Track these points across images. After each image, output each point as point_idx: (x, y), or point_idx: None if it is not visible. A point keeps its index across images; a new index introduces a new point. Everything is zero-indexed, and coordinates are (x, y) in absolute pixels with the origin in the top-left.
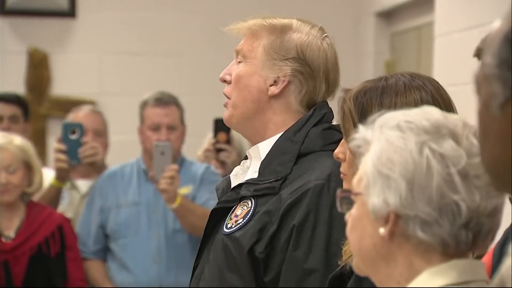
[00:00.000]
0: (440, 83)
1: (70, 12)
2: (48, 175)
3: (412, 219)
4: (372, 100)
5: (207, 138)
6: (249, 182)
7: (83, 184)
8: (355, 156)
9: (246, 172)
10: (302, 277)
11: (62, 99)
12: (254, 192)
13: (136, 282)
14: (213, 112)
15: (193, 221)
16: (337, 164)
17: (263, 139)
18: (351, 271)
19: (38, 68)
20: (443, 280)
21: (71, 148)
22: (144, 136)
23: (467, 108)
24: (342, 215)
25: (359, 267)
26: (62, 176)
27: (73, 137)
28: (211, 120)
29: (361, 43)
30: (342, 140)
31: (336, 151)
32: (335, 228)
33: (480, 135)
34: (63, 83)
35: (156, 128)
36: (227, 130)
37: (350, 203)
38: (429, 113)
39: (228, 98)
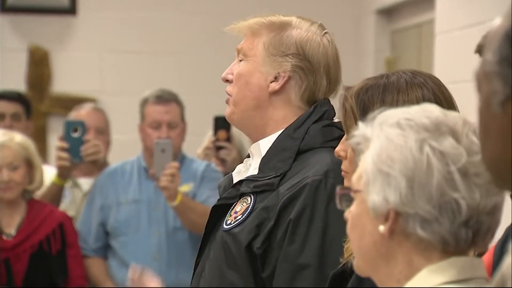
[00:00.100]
0: (441, 80)
1: (71, 10)
2: (49, 173)
3: (412, 217)
4: (373, 97)
5: (207, 136)
6: (249, 179)
7: (85, 182)
8: (356, 154)
9: (248, 169)
10: (295, 272)
11: (62, 97)
12: (253, 188)
13: None
14: (213, 111)
15: (193, 218)
16: (336, 161)
17: (263, 136)
18: (352, 269)
19: (39, 65)
20: (442, 278)
21: (73, 146)
22: (145, 133)
23: (468, 105)
24: (338, 212)
25: (360, 267)
26: (64, 174)
27: (75, 135)
28: (211, 119)
29: (361, 41)
30: (343, 138)
31: (337, 148)
32: (331, 224)
33: (481, 132)
34: (64, 81)
35: (156, 125)
36: (227, 128)
37: (349, 200)
38: (429, 111)
39: (230, 96)
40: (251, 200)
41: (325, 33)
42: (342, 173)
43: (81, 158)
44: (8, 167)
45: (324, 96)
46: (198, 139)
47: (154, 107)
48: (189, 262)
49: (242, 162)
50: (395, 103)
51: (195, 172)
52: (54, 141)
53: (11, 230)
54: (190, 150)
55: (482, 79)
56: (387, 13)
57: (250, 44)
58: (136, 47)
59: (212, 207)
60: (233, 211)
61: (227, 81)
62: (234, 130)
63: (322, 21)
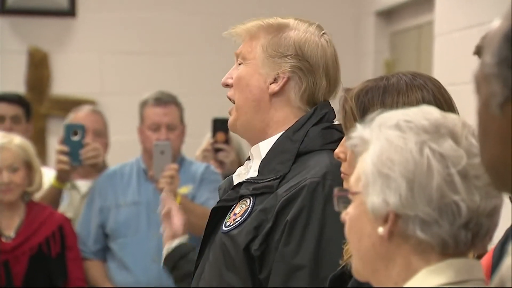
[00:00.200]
0: (440, 82)
1: (70, 12)
2: (48, 175)
3: (412, 219)
4: (373, 99)
5: (206, 138)
6: (248, 181)
7: (83, 185)
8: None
9: (248, 171)
10: (290, 273)
11: (62, 99)
12: (253, 190)
13: (135, 281)
14: (213, 112)
15: (193, 220)
16: (335, 163)
17: (264, 138)
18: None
19: (38, 67)
20: (439, 279)
21: (73, 150)
22: (144, 135)
23: (467, 107)
24: (336, 214)
25: (359, 269)
26: (63, 177)
27: (75, 138)
28: (210, 120)
29: (361, 42)
30: (343, 140)
31: (336, 150)
32: (328, 226)
33: (480, 134)
34: (63, 83)
35: (155, 127)
36: (225, 130)
37: (347, 202)
38: (428, 113)
39: (232, 101)
40: (250, 202)
41: (323, 33)
42: (342, 175)
43: (80, 162)
44: (8, 169)
45: (324, 97)
46: (198, 141)
47: (153, 109)
48: None
49: (240, 164)
50: (395, 105)
51: (194, 174)
52: (54, 143)
53: (10, 232)
54: (190, 151)
55: (481, 81)
56: (387, 14)
57: (249, 47)
58: (136, 48)
59: (212, 209)
60: (232, 213)
61: (227, 85)
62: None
63: (321, 23)
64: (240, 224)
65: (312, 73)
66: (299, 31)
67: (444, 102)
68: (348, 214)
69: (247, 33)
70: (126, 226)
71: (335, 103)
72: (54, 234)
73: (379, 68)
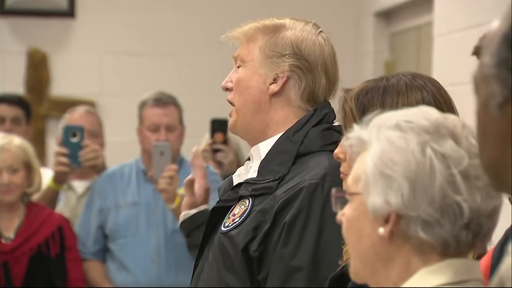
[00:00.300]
0: (440, 83)
1: (70, 12)
2: (47, 176)
3: (414, 219)
4: (373, 100)
5: (204, 139)
6: (248, 182)
7: (79, 185)
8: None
9: (249, 172)
10: (287, 274)
11: (61, 100)
12: (252, 191)
13: (135, 282)
14: (212, 113)
15: None
16: (334, 164)
17: (264, 138)
18: None
19: (38, 68)
20: (438, 280)
21: (72, 152)
22: (143, 136)
23: (467, 108)
24: (334, 215)
25: (358, 270)
26: (61, 179)
27: (74, 140)
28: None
29: (360, 43)
30: (342, 140)
31: (336, 151)
32: (326, 228)
33: (479, 135)
34: (63, 83)
35: (155, 128)
36: (224, 130)
37: (345, 203)
38: (428, 113)
39: (232, 104)
40: (249, 203)
41: (320, 31)
42: (341, 175)
43: (79, 163)
44: (7, 170)
45: (324, 95)
46: (197, 141)
47: (153, 110)
48: (188, 264)
49: (238, 165)
50: (394, 106)
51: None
52: (53, 144)
53: (10, 233)
54: (189, 152)
55: (480, 81)
56: (386, 15)
57: (247, 49)
58: (135, 49)
59: (211, 209)
60: (231, 214)
61: (227, 89)
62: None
63: (321, 23)
64: (239, 225)
65: (311, 71)
66: (296, 30)
67: (444, 103)
68: (344, 214)
69: (244, 35)
70: (125, 226)
71: (335, 103)
72: (53, 235)
73: (378, 68)
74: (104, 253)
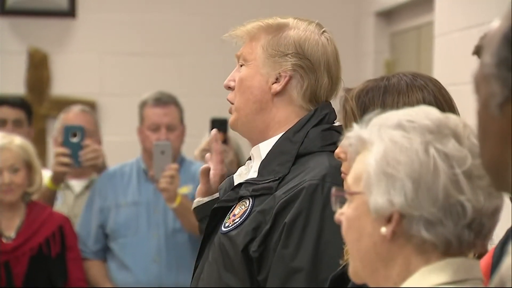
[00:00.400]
0: (441, 82)
1: (70, 12)
2: (46, 176)
3: (416, 219)
4: (374, 99)
5: (205, 138)
6: (248, 182)
7: (76, 184)
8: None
9: (249, 172)
10: (288, 275)
11: (62, 99)
12: (252, 192)
13: (136, 281)
14: (213, 113)
15: (193, 220)
16: (334, 165)
17: (265, 138)
18: None
19: (38, 68)
20: (438, 278)
21: (72, 152)
22: (144, 136)
23: (468, 107)
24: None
25: (358, 270)
26: (60, 179)
27: (74, 140)
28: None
29: (361, 42)
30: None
31: (337, 150)
32: (326, 228)
33: (480, 135)
34: (63, 83)
35: (155, 128)
36: (224, 130)
37: (344, 202)
38: (429, 113)
39: (232, 103)
40: (249, 203)
41: (323, 31)
42: (342, 175)
43: (80, 163)
44: (9, 170)
45: (326, 95)
46: (197, 141)
47: (153, 109)
48: (188, 264)
49: (239, 164)
50: (395, 105)
51: (194, 174)
52: (53, 146)
53: (10, 232)
54: (189, 151)
55: (481, 81)
56: (387, 15)
57: (249, 48)
58: (135, 49)
59: (212, 209)
60: (231, 214)
61: (229, 88)
62: (231, 132)
63: (322, 23)
64: (239, 225)
65: (314, 71)
66: (299, 29)
67: (445, 103)
68: (344, 214)
69: (247, 34)
70: (126, 226)
71: (336, 103)
72: (54, 235)
73: (379, 68)
74: (104, 252)
